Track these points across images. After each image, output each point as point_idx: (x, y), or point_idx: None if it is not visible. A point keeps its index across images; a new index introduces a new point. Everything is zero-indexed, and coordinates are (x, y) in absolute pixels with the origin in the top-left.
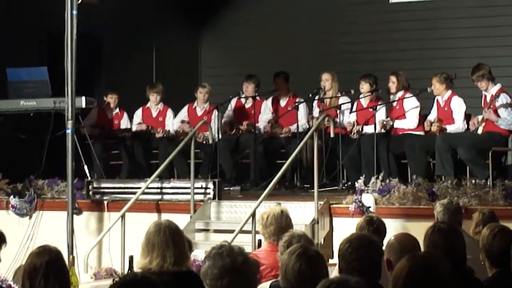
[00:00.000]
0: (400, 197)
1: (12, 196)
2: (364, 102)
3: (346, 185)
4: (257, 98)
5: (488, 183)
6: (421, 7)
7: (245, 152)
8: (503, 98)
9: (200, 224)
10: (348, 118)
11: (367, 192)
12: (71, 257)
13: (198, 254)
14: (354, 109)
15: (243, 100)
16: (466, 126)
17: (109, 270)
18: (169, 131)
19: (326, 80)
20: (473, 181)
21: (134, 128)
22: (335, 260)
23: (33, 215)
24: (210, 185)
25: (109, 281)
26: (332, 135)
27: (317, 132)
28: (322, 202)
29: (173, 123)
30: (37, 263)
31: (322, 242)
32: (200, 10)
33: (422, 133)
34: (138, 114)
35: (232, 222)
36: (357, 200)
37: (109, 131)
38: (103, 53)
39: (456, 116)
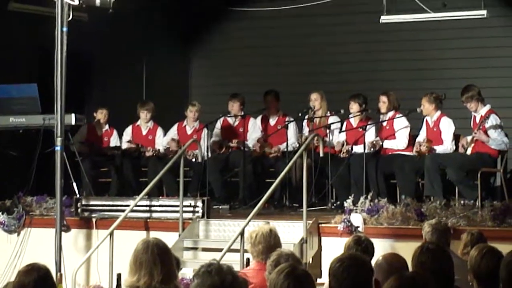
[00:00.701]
0: (388, 217)
1: (0, 213)
2: (354, 121)
3: (335, 204)
4: (245, 116)
5: (477, 204)
6: (410, 27)
7: (234, 170)
8: (493, 120)
9: (188, 242)
10: (337, 137)
11: (356, 212)
12: (58, 274)
13: (186, 273)
14: (343, 128)
15: (230, 119)
16: (454, 147)
17: (97, 287)
18: (159, 150)
19: (315, 99)
20: (462, 202)
21: (123, 146)
22: (323, 279)
23: (21, 232)
24: (199, 203)
25: None
26: (321, 154)
27: (306, 151)
28: (310, 222)
29: (163, 141)
30: (25, 281)
31: (311, 262)
32: (190, 30)
33: (411, 153)
34: (128, 132)
35: (221, 241)
36: (346, 220)
37: (99, 148)
38: (94, 70)
39: (445, 137)
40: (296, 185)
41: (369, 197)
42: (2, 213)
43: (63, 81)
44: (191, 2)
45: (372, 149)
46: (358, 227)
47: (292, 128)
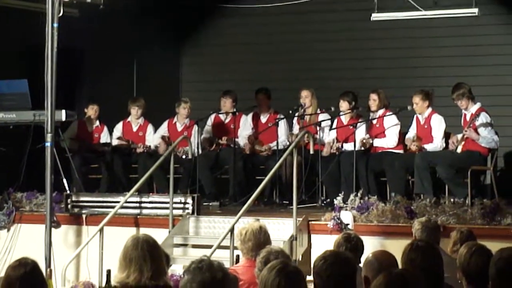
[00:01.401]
0: (378, 214)
1: None
2: (345, 119)
3: (325, 202)
4: (236, 113)
5: (467, 201)
6: (401, 25)
7: (224, 167)
8: (483, 118)
9: (178, 239)
10: (328, 135)
11: (346, 209)
12: (48, 270)
13: (176, 269)
14: (334, 126)
15: (221, 116)
16: (444, 144)
17: (86, 284)
18: (149, 146)
19: (306, 97)
20: (452, 200)
21: (114, 143)
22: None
23: (11, 227)
24: (189, 200)
25: None
26: (311, 151)
27: (296, 149)
28: (300, 219)
29: (153, 138)
30: (13, 276)
31: (300, 259)
32: (182, 26)
33: (401, 151)
34: (119, 128)
35: (211, 238)
36: (335, 217)
37: (89, 144)
38: (84, 66)
39: (435, 134)
40: (286, 182)
41: (359, 194)
42: None
43: (54, 77)
44: None
45: (362, 147)
46: (348, 224)
47: (282, 125)
